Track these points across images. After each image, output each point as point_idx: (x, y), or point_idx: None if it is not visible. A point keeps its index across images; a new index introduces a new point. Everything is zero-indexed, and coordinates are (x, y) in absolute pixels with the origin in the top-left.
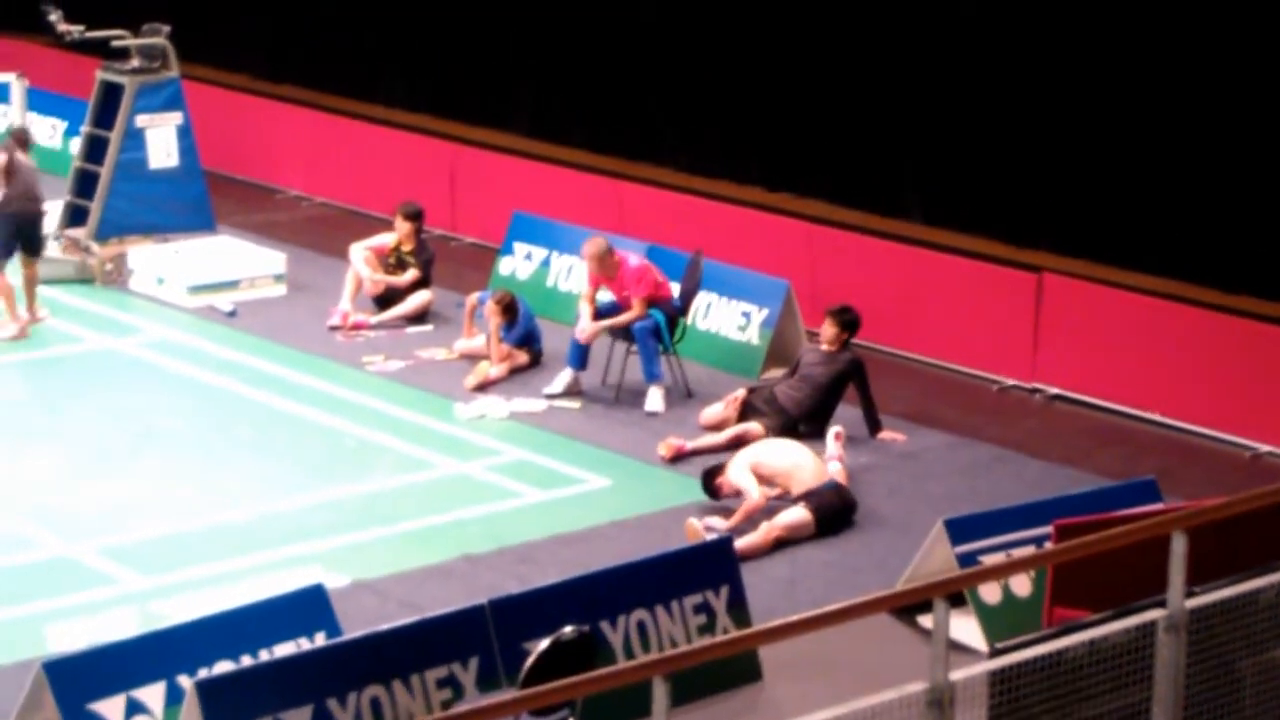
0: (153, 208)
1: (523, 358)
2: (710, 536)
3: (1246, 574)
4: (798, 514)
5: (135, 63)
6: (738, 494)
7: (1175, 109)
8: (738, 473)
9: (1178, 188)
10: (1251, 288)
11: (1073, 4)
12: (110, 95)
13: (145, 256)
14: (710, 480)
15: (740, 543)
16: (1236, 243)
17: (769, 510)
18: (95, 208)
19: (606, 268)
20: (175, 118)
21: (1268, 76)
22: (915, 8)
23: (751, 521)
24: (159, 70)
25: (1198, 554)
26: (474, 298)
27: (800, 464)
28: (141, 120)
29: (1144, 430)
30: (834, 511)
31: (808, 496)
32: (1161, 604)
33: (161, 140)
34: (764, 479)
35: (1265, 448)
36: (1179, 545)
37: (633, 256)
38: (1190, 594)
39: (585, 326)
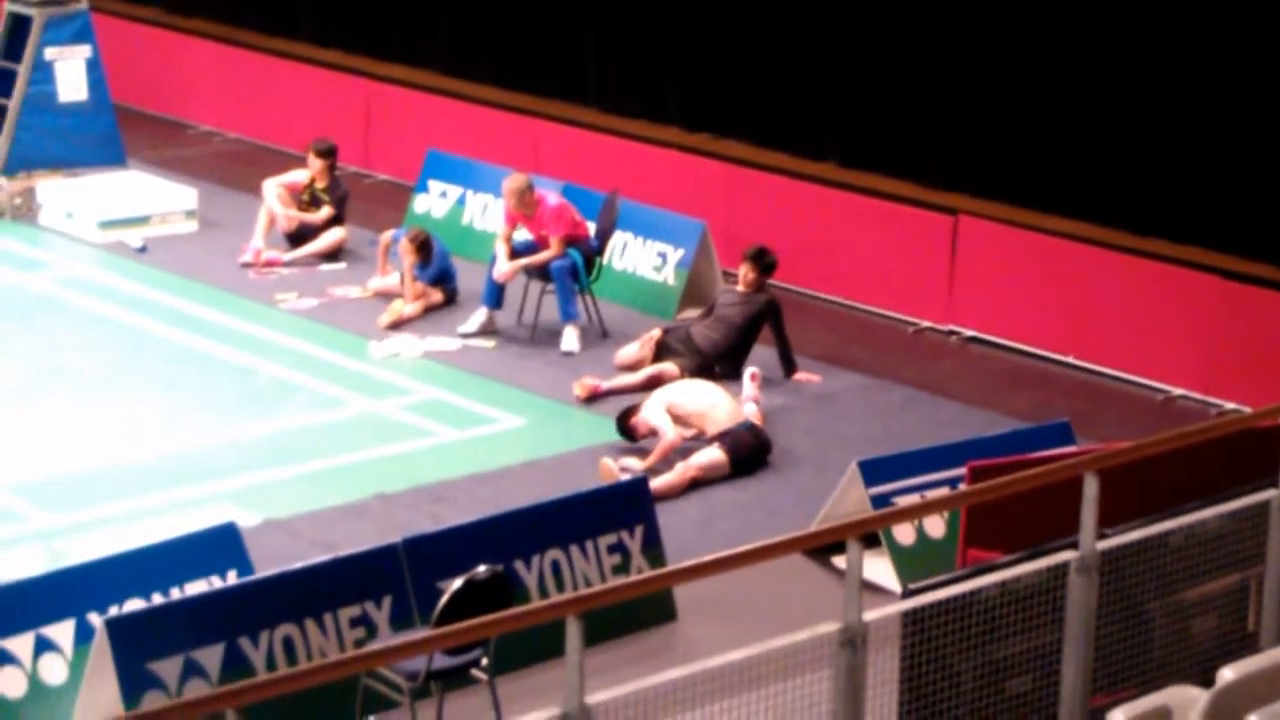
0: (62, 141)
1: (437, 296)
2: (625, 477)
3: (1157, 516)
4: (713, 454)
5: None
6: (653, 434)
7: (1087, 52)
8: (653, 412)
9: (1093, 131)
10: (1165, 231)
11: None
12: (18, 27)
13: (54, 191)
14: (625, 421)
15: (655, 483)
16: (1150, 186)
17: (684, 451)
18: (3, 141)
19: (525, 205)
20: (84, 50)
21: (1177, 24)
22: None
23: (667, 462)
24: (67, 2)
25: (1110, 496)
26: (388, 235)
27: (716, 404)
28: (50, 53)
29: (1058, 373)
30: (749, 452)
31: (722, 437)
32: (1074, 546)
33: (70, 73)
34: (679, 419)
35: (1178, 391)
36: (1091, 488)
37: (551, 195)
38: (1102, 536)
39: (502, 266)
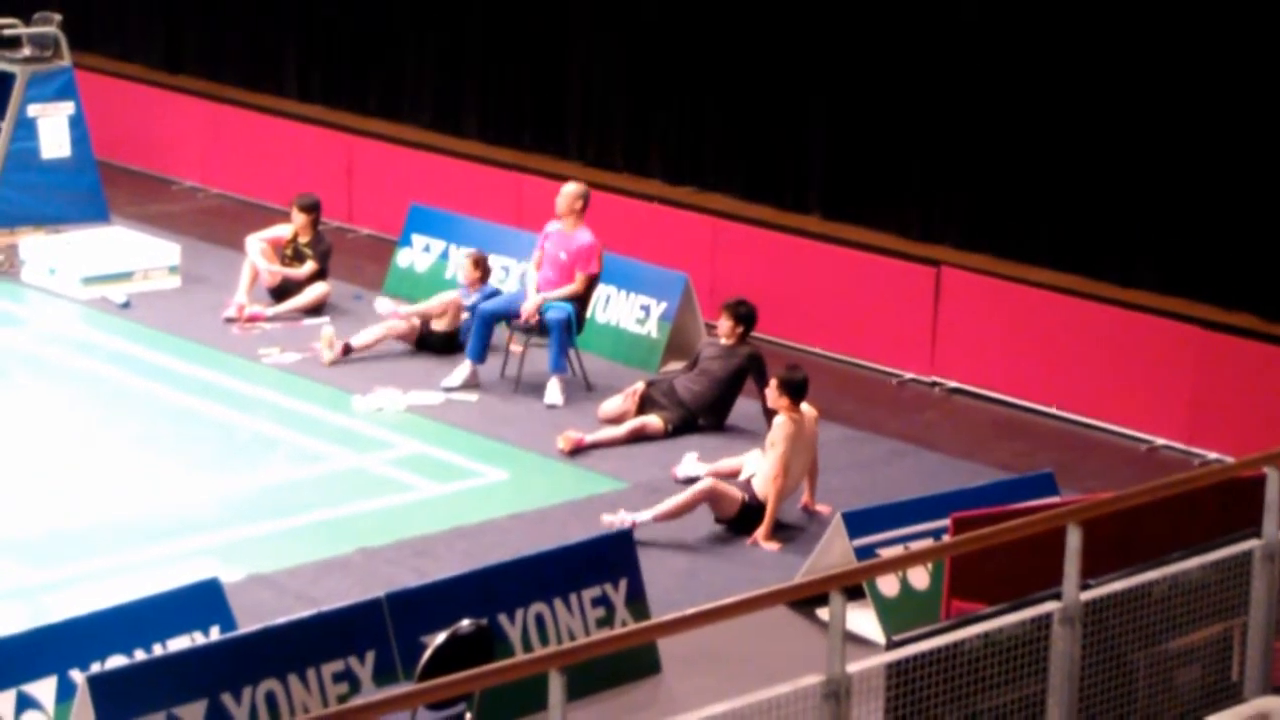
0: (45, 198)
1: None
2: (622, 524)
3: (1140, 567)
4: (733, 489)
5: (26, 51)
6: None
7: (1068, 105)
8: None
9: (1075, 183)
10: (1148, 282)
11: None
12: (1, 84)
13: (37, 247)
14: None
15: (667, 503)
16: (1132, 238)
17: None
18: None
19: (574, 211)
20: (67, 107)
21: (1157, 68)
22: (812, 4)
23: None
24: (51, 59)
25: (1093, 547)
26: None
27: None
28: (33, 110)
29: (1042, 424)
30: (754, 511)
31: (749, 487)
32: (1057, 597)
33: (54, 130)
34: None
35: (1161, 441)
36: (1074, 538)
37: (589, 231)
38: (1085, 587)
39: (533, 297)
